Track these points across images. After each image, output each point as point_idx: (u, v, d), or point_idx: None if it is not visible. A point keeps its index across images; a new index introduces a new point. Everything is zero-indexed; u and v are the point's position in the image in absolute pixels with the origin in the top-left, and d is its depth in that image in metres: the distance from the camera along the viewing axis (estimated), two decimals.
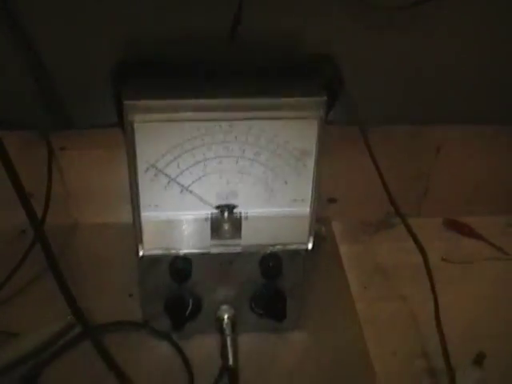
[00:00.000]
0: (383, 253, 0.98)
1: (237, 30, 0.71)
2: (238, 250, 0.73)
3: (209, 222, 0.71)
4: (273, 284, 0.76)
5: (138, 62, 0.71)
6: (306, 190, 0.71)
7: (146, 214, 0.70)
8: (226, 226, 0.71)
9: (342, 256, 0.97)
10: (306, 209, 0.71)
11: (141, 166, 0.66)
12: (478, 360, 0.76)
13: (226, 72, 0.70)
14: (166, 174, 0.67)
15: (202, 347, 0.80)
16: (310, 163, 0.68)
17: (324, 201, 1.00)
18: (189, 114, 0.65)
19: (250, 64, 0.72)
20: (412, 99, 0.88)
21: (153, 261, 0.73)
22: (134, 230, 0.71)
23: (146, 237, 0.72)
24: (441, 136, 0.96)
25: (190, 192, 0.69)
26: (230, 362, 0.73)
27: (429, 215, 1.04)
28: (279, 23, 0.74)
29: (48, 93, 0.81)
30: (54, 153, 0.92)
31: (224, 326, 0.76)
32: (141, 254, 0.72)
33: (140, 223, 0.70)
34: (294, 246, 0.74)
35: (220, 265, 0.76)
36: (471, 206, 1.04)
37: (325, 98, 0.65)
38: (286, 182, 0.69)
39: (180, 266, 0.74)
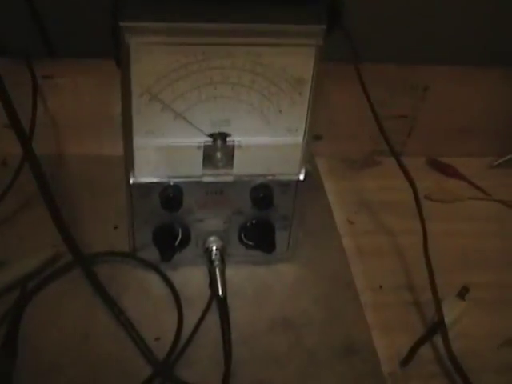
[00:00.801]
0: (368, 189, 0.99)
1: None
2: (230, 179, 0.72)
3: (201, 151, 0.70)
4: (263, 215, 0.76)
5: None
6: (301, 120, 0.71)
7: (138, 140, 0.70)
8: (219, 155, 0.70)
9: (327, 192, 0.98)
10: (299, 138, 0.71)
11: (135, 90, 0.65)
12: (461, 293, 0.77)
13: None
14: (161, 100, 0.65)
15: (191, 278, 0.80)
16: (306, 92, 0.68)
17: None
18: (187, 38, 0.64)
19: None
20: (401, 37, 0.88)
21: (143, 188, 0.73)
22: (125, 157, 0.69)
23: (137, 163, 0.71)
24: (428, 75, 0.97)
25: (184, 119, 0.67)
26: (219, 292, 0.73)
27: (413, 154, 1.04)
28: None
29: (34, 17, 0.79)
30: (39, 81, 0.89)
31: (213, 256, 0.76)
32: (131, 181, 0.71)
33: (132, 149, 0.69)
34: (285, 177, 0.73)
35: (211, 194, 0.75)
36: (456, 146, 1.06)
37: (324, 25, 0.64)
38: (280, 111, 0.69)
39: (171, 195, 0.73)
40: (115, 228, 0.86)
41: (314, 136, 0.91)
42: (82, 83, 0.91)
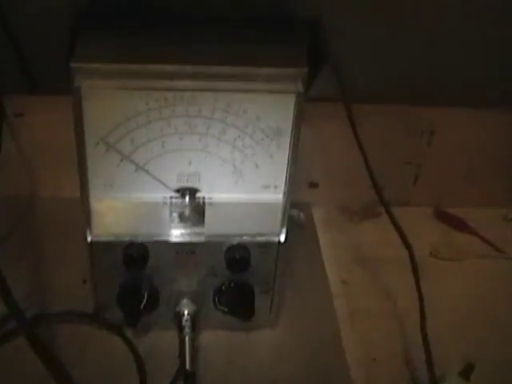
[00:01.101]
0: (367, 244, 0.90)
1: None
2: (201, 239, 0.63)
3: (168, 207, 0.61)
4: (240, 278, 0.66)
5: (100, 12, 0.60)
6: (280, 175, 0.63)
7: (96, 194, 0.62)
8: (187, 212, 0.62)
9: (321, 246, 0.89)
10: (278, 196, 0.63)
11: (89, 139, 0.58)
12: (466, 371, 0.67)
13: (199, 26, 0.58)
14: (118, 151, 0.56)
15: (160, 345, 0.71)
16: (285, 144, 0.60)
17: (304, 185, 0.93)
18: (145, 82, 0.56)
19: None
20: (403, 75, 0.79)
21: (104, 247, 0.64)
22: (83, 212, 0.60)
23: (95, 220, 0.64)
24: (435, 118, 0.88)
25: (146, 172, 0.58)
26: (187, 365, 0.63)
27: (418, 204, 0.96)
28: None
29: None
30: (10, 119, 0.83)
31: (183, 322, 0.67)
32: (89, 239, 0.62)
33: (89, 204, 0.61)
34: (264, 238, 0.63)
35: (181, 254, 0.67)
36: (465, 196, 0.96)
37: (306, 69, 0.57)
38: (256, 166, 0.60)
39: (135, 254, 0.65)
40: (84, 282, 0.77)
41: (309, 184, 0.90)
42: (56, 121, 0.82)
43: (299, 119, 0.58)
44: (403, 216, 0.77)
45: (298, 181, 0.80)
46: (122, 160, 0.59)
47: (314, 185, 0.93)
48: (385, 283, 0.83)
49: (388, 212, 0.71)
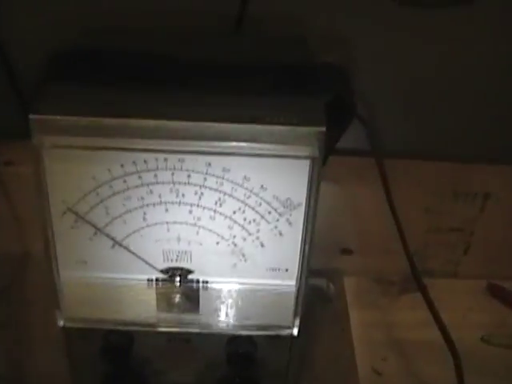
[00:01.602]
0: (406, 324, 0.76)
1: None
2: (196, 328, 0.50)
3: (153, 290, 0.48)
4: (243, 373, 0.53)
5: (76, 52, 0.49)
6: (292, 257, 0.51)
7: (66, 272, 0.52)
8: (177, 298, 0.49)
9: (351, 325, 0.76)
10: (290, 282, 0.51)
11: (55, 208, 0.46)
12: None
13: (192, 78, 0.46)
14: (91, 222, 0.44)
15: None
16: (298, 220, 0.48)
17: (335, 251, 0.80)
18: (121, 141, 0.45)
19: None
20: (449, 127, 0.69)
21: (79, 333, 0.51)
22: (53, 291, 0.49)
23: (67, 302, 0.53)
24: (490, 179, 0.75)
25: (126, 248, 0.45)
26: None
27: (469, 276, 0.83)
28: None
29: None
30: None
31: None
32: (61, 323, 0.49)
33: (59, 284, 0.49)
34: (273, 331, 0.50)
35: (174, 342, 0.56)
36: None
37: (323, 128, 0.45)
38: (262, 245, 0.48)
39: (115, 343, 0.54)
40: None
41: (341, 250, 0.79)
42: None
43: (315, 189, 0.46)
44: (451, 289, 0.72)
45: (329, 246, 0.75)
46: (95, 233, 0.46)
47: (347, 251, 0.81)
48: (425, 375, 0.70)
49: (421, 289, 0.60)
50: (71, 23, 0.55)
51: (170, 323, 0.53)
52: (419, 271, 0.65)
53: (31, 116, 0.44)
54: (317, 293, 0.77)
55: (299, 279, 0.51)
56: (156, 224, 0.48)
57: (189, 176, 0.46)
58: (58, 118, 0.44)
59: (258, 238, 0.49)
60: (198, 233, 0.48)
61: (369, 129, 0.56)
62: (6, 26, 0.59)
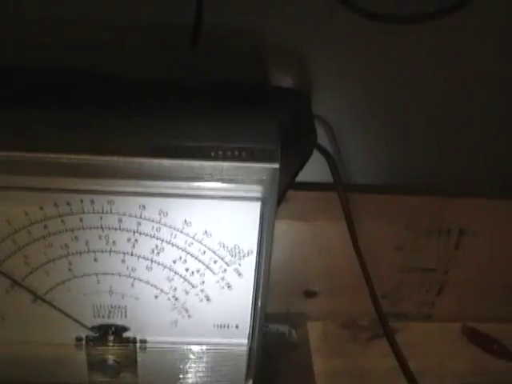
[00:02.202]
0: (376, 373, 0.72)
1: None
2: None
3: (83, 351, 0.40)
4: None
5: None
6: (242, 312, 0.45)
7: None
8: (111, 359, 0.41)
9: (316, 375, 0.68)
10: (241, 340, 0.43)
11: None
12: None
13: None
14: (5, 274, 0.37)
15: None
16: (249, 269, 0.42)
17: (299, 294, 0.75)
18: (38, 179, 0.39)
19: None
20: (424, 159, 0.65)
21: None
22: None
23: None
24: (464, 213, 0.70)
25: (49, 303, 0.38)
26: None
27: (443, 319, 0.78)
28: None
29: None
30: None
31: None
32: None
33: None
34: None
35: None
36: (504, 311, 0.78)
37: (277, 164, 0.39)
38: (207, 298, 0.42)
39: None
40: None
41: (304, 292, 0.73)
42: None
43: (269, 234, 0.39)
44: (426, 333, 0.70)
45: (292, 288, 0.70)
46: (11, 286, 0.39)
47: (311, 293, 0.75)
48: None
49: (388, 336, 0.57)
50: None
51: None
52: (385, 316, 0.61)
53: None
54: (278, 340, 0.71)
55: (251, 336, 0.44)
56: (84, 275, 0.42)
57: (120, 220, 0.39)
58: None
59: (202, 290, 0.43)
60: (132, 285, 0.42)
61: (331, 161, 0.50)
62: None
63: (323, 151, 0.51)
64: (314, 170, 0.55)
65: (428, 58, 0.57)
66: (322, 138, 0.58)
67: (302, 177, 0.52)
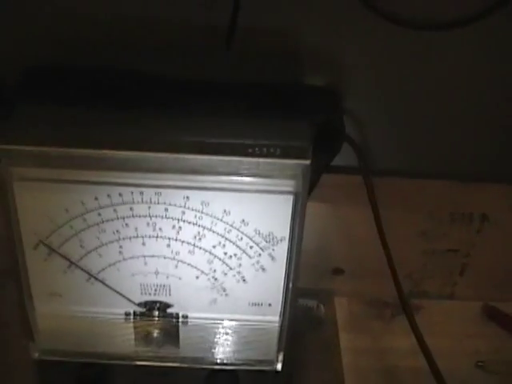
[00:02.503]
0: (398, 350, 0.72)
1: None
2: (175, 363, 0.48)
3: (131, 325, 0.45)
4: None
5: (48, 70, 0.47)
6: (275, 292, 0.49)
7: (40, 305, 0.50)
8: (156, 332, 0.46)
9: (342, 350, 0.71)
10: (273, 317, 0.49)
11: (27, 239, 0.44)
12: None
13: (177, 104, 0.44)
14: (64, 256, 0.41)
15: None
16: (281, 254, 0.46)
17: (327, 271, 0.77)
18: (94, 174, 0.43)
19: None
20: (448, 146, 0.66)
21: (54, 366, 0.48)
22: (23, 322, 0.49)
23: (41, 335, 0.51)
24: (488, 199, 0.72)
25: (101, 282, 0.43)
26: None
27: (465, 298, 0.79)
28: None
29: None
30: None
31: None
32: (36, 355, 0.47)
33: (33, 317, 0.49)
34: (255, 365, 0.47)
35: (150, 375, 0.54)
36: None
37: (308, 161, 0.43)
38: (243, 279, 0.46)
39: (91, 376, 0.52)
40: None
41: (332, 270, 0.75)
42: None
43: (299, 223, 0.43)
44: (447, 312, 0.70)
45: (320, 266, 0.72)
46: (69, 266, 0.44)
47: (338, 271, 0.77)
48: None
49: (408, 314, 0.58)
50: (47, 36, 0.52)
51: (147, 357, 0.51)
52: (408, 294, 0.63)
53: None
54: (306, 314, 0.74)
55: (283, 314, 0.48)
56: (133, 257, 0.46)
57: (166, 210, 0.44)
58: (28, 148, 0.41)
59: (239, 272, 0.46)
60: (176, 267, 0.46)
61: (359, 151, 0.53)
62: None
63: (350, 141, 0.54)
64: (341, 154, 0.57)
65: (453, 58, 0.59)
66: (349, 126, 0.61)
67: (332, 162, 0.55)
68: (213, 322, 0.49)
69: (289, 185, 0.42)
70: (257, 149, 0.42)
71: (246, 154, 0.42)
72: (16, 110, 0.43)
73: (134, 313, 0.50)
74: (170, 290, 0.48)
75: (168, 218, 0.43)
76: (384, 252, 0.57)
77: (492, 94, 0.62)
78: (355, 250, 0.75)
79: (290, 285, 0.47)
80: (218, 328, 0.49)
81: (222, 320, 0.49)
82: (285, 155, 0.42)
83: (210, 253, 0.45)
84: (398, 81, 0.59)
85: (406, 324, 0.68)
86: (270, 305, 0.48)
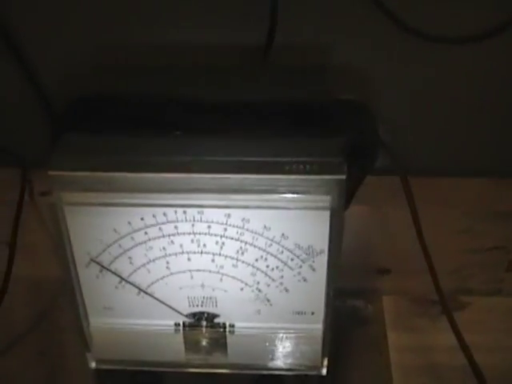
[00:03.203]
0: (446, 347, 0.70)
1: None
2: (224, 369, 0.51)
3: (181, 334, 0.48)
4: None
5: (93, 99, 0.49)
6: (317, 300, 0.51)
7: (95, 319, 0.53)
8: (205, 341, 0.48)
9: (390, 348, 0.72)
10: (316, 325, 0.50)
11: (79, 258, 0.46)
12: None
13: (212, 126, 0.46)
14: (114, 272, 0.44)
15: None
16: (321, 265, 0.48)
17: (373, 271, 0.78)
18: (138, 196, 0.45)
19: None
20: (487, 142, 0.67)
21: (109, 375, 0.52)
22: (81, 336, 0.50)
23: (97, 346, 0.55)
24: None
25: (151, 296, 0.45)
26: None
27: None
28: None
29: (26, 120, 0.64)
30: (36, 198, 0.71)
31: None
32: (92, 365, 0.50)
33: (88, 330, 0.52)
34: (301, 370, 0.49)
35: (201, 382, 0.56)
36: None
37: (343, 176, 0.44)
38: (286, 290, 0.48)
39: (146, 382, 0.51)
40: None
41: (378, 270, 0.76)
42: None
43: (337, 236, 0.44)
44: (494, 308, 0.70)
45: (365, 266, 0.73)
46: (120, 282, 0.46)
47: (384, 271, 0.78)
48: None
49: (447, 312, 0.58)
50: (91, 66, 0.55)
51: (197, 364, 0.53)
52: (454, 292, 0.63)
53: (51, 172, 0.44)
54: (355, 314, 0.75)
55: (326, 321, 0.50)
56: (179, 272, 0.48)
57: (209, 227, 0.45)
58: (78, 174, 0.44)
59: (281, 283, 0.48)
60: (221, 280, 0.48)
61: (394, 156, 0.54)
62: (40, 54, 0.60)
63: (385, 147, 0.55)
64: (382, 157, 0.58)
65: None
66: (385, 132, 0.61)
67: None
68: (259, 330, 0.51)
69: (325, 200, 0.43)
70: (293, 166, 0.43)
71: (283, 172, 0.43)
72: (64, 138, 0.46)
73: (184, 323, 0.52)
74: (216, 302, 0.50)
75: (211, 234, 0.45)
76: (423, 252, 0.57)
77: None
78: (399, 250, 0.75)
79: (331, 293, 0.48)
80: (263, 336, 0.51)
81: (268, 329, 0.51)
82: (320, 171, 0.43)
83: (253, 266, 0.47)
84: (423, 86, 0.61)
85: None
86: (312, 313, 0.50)
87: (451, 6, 0.53)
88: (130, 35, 0.56)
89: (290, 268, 0.47)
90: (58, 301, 0.74)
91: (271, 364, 0.53)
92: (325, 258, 0.46)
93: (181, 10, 0.54)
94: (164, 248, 0.46)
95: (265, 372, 0.53)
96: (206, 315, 0.51)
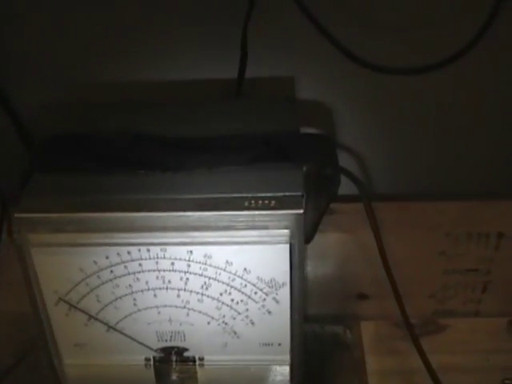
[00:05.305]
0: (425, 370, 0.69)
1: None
2: None
3: (152, 369, 0.49)
4: None
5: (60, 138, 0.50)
6: (283, 332, 0.51)
7: (67, 355, 0.54)
8: (175, 376, 0.49)
9: (369, 373, 0.73)
10: (283, 356, 0.50)
11: (48, 297, 0.47)
12: None
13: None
14: (83, 310, 0.45)
15: None
16: (285, 297, 0.47)
17: (352, 297, 0.79)
18: (105, 235, 0.47)
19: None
20: (458, 166, 0.69)
21: None
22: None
23: (71, 381, 0.53)
24: (503, 217, 0.73)
25: (120, 332, 0.46)
26: None
27: (490, 315, 0.79)
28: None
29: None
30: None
31: None
32: None
33: (60, 366, 0.51)
34: None
35: None
36: None
37: (301, 210, 0.45)
38: (252, 322, 0.49)
39: None
40: None
41: (357, 295, 0.76)
42: None
43: (299, 268, 0.45)
44: (473, 329, 0.70)
45: (345, 292, 0.74)
46: (89, 319, 0.47)
47: (363, 296, 0.78)
48: None
49: (415, 341, 0.60)
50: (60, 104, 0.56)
51: None
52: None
53: (17, 215, 0.45)
54: (334, 340, 0.75)
55: (293, 351, 0.51)
56: (146, 308, 0.49)
57: (172, 264, 0.47)
58: (45, 215, 0.45)
59: (247, 316, 0.49)
60: (188, 314, 0.49)
61: (358, 183, 0.55)
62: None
63: (349, 174, 0.55)
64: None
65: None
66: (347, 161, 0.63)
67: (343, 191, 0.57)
68: (228, 363, 0.52)
69: (284, 235, 0.44)
70: (253, 201, 0.44)
71: (242, 208, 0.44)
72: (32, 179, 0.47)
73: (154, 358, 0.52)
74: (184, 336, 0.51)
75: (175, 270, 0.46)
76: (387, 276, 0.57)
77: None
78: (377, 275, 0.76)
79: (297, 324, 0.49)
80: (232, 368, 0.52)
81: (237, 361, 0.51)
82: (278, 206, 0.44)
83: (218, 300, 0.48)
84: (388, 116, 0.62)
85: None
86: (279, 344, 0.51)
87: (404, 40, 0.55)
88: (104, 74, 0.57)
89: (254, 301, 0.48)
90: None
91: None
92: (287, 290, 0.47)
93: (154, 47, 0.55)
94: (130, 285, 0.47)
95: None
96: (175, 349, 0.51)
